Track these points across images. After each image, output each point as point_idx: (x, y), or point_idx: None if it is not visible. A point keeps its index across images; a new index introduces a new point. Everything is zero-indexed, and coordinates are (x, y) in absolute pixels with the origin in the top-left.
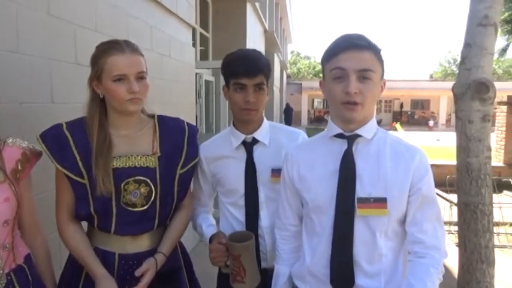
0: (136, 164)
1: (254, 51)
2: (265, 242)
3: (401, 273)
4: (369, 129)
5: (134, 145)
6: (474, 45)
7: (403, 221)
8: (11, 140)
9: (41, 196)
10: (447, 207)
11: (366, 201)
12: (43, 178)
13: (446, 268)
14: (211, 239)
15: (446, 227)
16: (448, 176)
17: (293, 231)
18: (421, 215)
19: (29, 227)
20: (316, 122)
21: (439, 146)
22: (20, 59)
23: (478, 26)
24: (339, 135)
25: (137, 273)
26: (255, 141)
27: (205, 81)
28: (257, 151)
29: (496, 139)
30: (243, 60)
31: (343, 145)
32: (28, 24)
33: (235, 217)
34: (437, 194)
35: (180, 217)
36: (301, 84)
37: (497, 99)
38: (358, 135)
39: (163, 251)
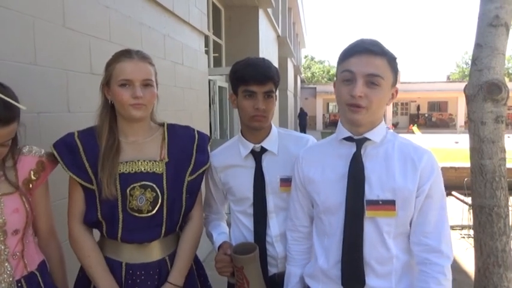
0: (143, 169)
1: (264, 59)
2: (276, 250)
3: (415, 273)
4: (377, 133)
5: (142, 151)
6: (485, 46)
7: None
8: (26, 149)
9: (60, 202)
10: (465, 210)
11: (375, 204)
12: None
13: (463, 272)
14: (218, 249)
15: (465, 231)
16: (465, 179)
17: (305, 232)
18: (424, 217)
19: (43, 233)
20: (332, 126)
21: (458, 148)
22: (37, 71)
23: (489, 26)
24: (348, 138)
25: None
26: (263, 150)
27: (219, 87)
28: (265, 160)
29: None
30: (253, 67)
31: (352, 148)
32: (45, 36)
33: (244, 225)
34: (455, 197)
35: (188, 236)
36: (315, 88)
37: None
38: (367, 139)
39: (177, 283)
